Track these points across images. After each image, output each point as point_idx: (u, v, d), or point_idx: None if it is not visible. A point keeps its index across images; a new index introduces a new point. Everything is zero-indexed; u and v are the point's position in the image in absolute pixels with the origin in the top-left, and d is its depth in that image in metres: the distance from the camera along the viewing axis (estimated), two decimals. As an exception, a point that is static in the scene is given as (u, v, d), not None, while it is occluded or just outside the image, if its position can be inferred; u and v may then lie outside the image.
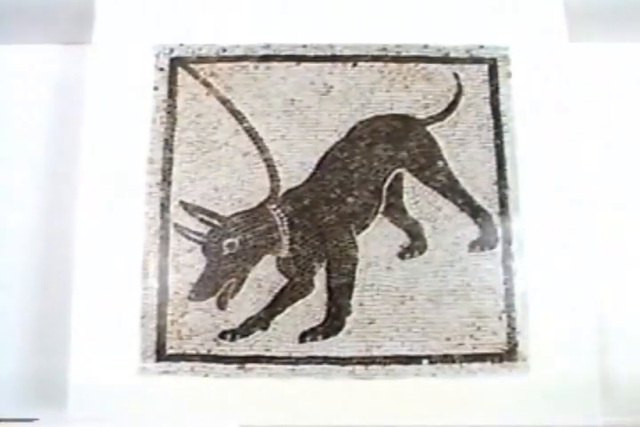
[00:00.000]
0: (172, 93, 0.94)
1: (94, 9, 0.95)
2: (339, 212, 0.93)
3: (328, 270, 0.92)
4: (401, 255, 0.92)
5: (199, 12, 0.95)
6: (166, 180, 0.92)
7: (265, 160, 0.94)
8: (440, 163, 0.94)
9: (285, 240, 0.92)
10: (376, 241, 0.93)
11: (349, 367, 0.88)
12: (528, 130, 0.94)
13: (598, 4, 0.99)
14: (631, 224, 0.93)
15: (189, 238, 0.91)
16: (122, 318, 0.88)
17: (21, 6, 0.97)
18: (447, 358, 0.89)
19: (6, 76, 1.03)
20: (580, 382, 0.86)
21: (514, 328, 0.90)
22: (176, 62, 0.95)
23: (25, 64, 1.03)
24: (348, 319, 0.90)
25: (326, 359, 0.89)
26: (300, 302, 0.90)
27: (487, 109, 0.95)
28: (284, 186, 0.93)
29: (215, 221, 0.92)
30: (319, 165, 0.94)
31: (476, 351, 0.89)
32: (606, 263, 0.90)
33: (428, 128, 0.95)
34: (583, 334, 0.88)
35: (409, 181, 0.94)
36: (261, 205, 0.93)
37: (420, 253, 0.92)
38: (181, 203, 0.92)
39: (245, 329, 0.89)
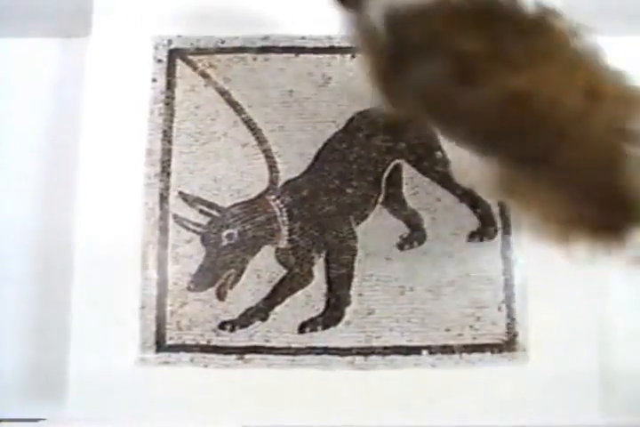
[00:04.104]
0: (170, 85, 0.95)
1: (92, 2, 0.96)
2: (338, 202, 0.93)
3: (327, 261, 0.92)
4: (400, 246, 0.92)
5: (198, 3, 0.95)
6: (165, 171, 0.93)
7: (264, 151, 0.94)
8: (439, 153, 0.94)
9: (284, 231, 0.92)
10: (375, 232, 0.93)
11: (349, 358, 0.88)
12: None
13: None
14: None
15: (188, 229, 0.91)
16: (121, 309, 0.88)
17: (20, 0, 0.98)
18: (447, 349, 0.89)
19: (6, 69, 1.03)
20: (580, 372, 0.86)
21: (513, 319, 0.90)
22: (174, 54, 0.96)
23: (24, 57, 1.03)
24: (348, 310, 0.90)
25: (326, 350, 0.89)
26: (299, 292, 0.91)
27: (486, 100, 0.96)
28: (283, 177, 0.93)
29: (214, 212, 0.92)
30: (318, 156, 0.94)
31: (476, 342, 0.89)
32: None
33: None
34: (583, 324, 0.88)
35: (408, 171, 0.94)
36: (260, 195, 0.93)
37: (420, 243, 0.92)
38: (180, 194, 0.92)
39: (245, 320, 0.89)
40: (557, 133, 0.58)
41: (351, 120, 0.95)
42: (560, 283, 0.89)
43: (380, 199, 0.93)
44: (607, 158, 0.58)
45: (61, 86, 1.00)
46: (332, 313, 0.90)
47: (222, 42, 0.96)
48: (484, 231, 0.92)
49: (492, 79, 0.58)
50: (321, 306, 0.90)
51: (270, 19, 0.95)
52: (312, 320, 0.90)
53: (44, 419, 0.85)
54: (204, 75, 0.95)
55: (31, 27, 1.01)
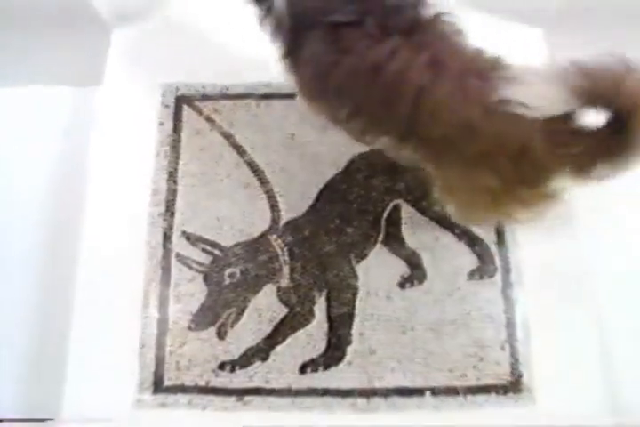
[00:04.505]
0: (176, 128, 0.99)
1: (107, 53, 1.01)
2: (338, 242, 0.94)
3: (328, 300, 0.92)
4: (401, 285, 0.93)
5: (204, 53, 1.01)
6: (169, 210, 0.95)
7: (266, 192, 0.96)
8: (436, 194, 0.96)
9: (286, 270, 0.93)
10: (376, 271, 0.93)
11: (351, 400, 0.86)
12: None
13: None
14: (631, 248, 0.93)
15: (191, 268, 0.92)
16: (120, 348, 0.87)
17: (35, 50, 1.03)
18: (450, 390, 0.87)
19: (21, 115, 1.07)
20: (588, 411, 0.84)
21: (517, 358, 0.88)
22: (181, 100, 1.00)
23: (39, 104, 1.08)
24: (349, 350, 0.89)
25: (327, 392, 0.87)
26: (300, 331, 0.90)
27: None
28: (285, 216, 0.95)
29: (217, 251, 0.93)
30: (319, 197, 0.96)
31: (480, 383, 0.88)
32: (609, 289, 0.90)
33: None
34: (588, 361, 0.86)
35: (407, 211, 0.96)
36: (262, 235, 0.94)
37: (420, 282, 0.93)
38: (184, 233, 0.94)
39: (245, 360, 0.88)
40: (411, 105, 0.63)
41: (351, 162, 0.98)
42: (562, 320, 0.89)
43: (380, 238, 0.95)
44: (463, 126, 0.62)
45: (72, 130, 1.04)
46: (334, 353, 0.89)
47: (227, 89, 1.01)
48: (483, 269, 0.93)
49: (355, 49, 0.64)
50: (322, 346, 0.89)
51: (272, 67, 1.00)
52: (313, 360, 0.88)
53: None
54: (209, 119, 0.99)
55: (45, 75, 1.07)
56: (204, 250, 0.93)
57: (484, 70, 0.63)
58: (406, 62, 0.62)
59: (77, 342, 0.86)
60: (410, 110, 0.64)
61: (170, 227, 0.94)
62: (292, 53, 0.73)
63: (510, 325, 0.90)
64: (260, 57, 0.99)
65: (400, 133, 0.70)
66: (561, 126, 0.60)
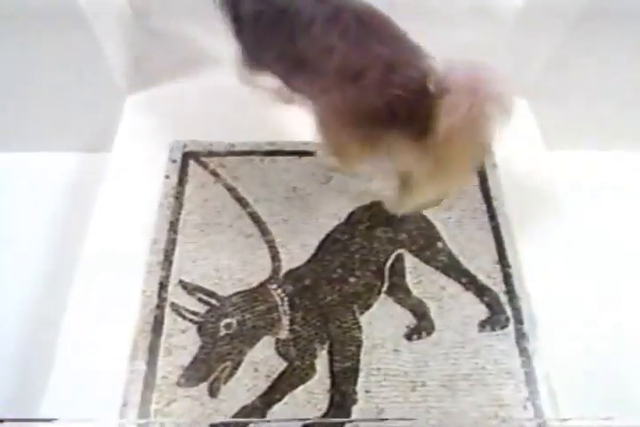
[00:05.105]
0: (182, 182, 1.01)
1: (119, 113, 1.08)
2: (341, 292, 0.90)
3: (330, 353, 0.85)
4: (408, 336, 0.87)
5: (213, 114, 1.07)
6: (168, 259, 0.92)
7: (267, 242, 0.95)
8: (439, 244, 0.95)
9: (285, 320, 0.88)
10: (381, 322, 0.88)
11: (358, 471, 0.76)
12: (520, 212, 0.98)
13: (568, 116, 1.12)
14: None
15: (185, 318, 0.87)
16: (100, 407, 0.79)
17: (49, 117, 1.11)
18: (472, 458, 0.77)
19: (36, 177, 1.11)
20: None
21: (543, 420, 0.79)
22: (189, 155, 1.04)
23: (48, 169, 1.13)
24: (354, 409, 0.80)
25: (331, 461, 0.77)
26: (300, 388, 0.82)
27: (479, 195, 1.01)
28: (286, 266, 0.93)
29: (213, 301, 0.89)
30: (320, 247, 0.95)
31: (505, 449, 0.77)
32: (630, 333, 0.84)
33: (424, 212, 0.99)
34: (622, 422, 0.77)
35: (410, 261, 0.94)
36: (262, 284, 0.91)
37: (428, 333, 0.87)
38: (180, 282, 0.91)
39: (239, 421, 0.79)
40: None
41: (352, 213, 0.98)
42: (584, 373, 0.81)
43: (384, 288, 0.91)
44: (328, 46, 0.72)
45: (81, 190, 1.08)
46: (337, 413, 0.80)
47: (233, 146, 1.05)
48: (494, 320, 0.88)
49: None
50: (324, 405, 0.81)
51: (277, 126, 1.06)
52: (314, 422, 0.79)
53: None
54: (215, 173, 1.02)
55: (53, 141, 1.13)
56: (200, 299, 0.89)
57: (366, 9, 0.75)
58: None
59: (52, 401, 0.78)
60: (306, 41, 0.74)
61: (167, 276, 0.91)
62: (236, 20, 0.85)
63: (530, 380, 0.83)
64: (265, 117, 1.07)
65: (300, 65, 0.77)
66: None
